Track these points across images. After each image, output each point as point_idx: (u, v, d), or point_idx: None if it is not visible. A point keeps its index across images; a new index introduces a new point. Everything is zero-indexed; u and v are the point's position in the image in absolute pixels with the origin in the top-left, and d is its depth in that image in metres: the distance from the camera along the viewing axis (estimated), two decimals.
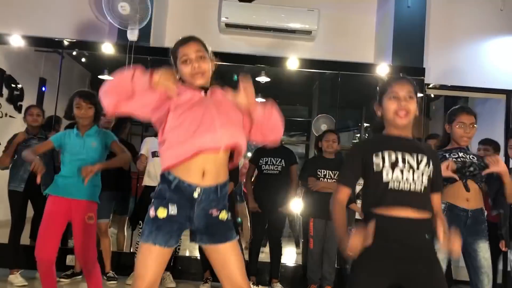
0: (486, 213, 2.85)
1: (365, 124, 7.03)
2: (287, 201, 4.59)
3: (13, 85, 5.94)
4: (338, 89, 5.34)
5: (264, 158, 4.63)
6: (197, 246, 4.79)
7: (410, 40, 5.19)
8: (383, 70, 5.03)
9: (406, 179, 1.87)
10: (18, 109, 5.94)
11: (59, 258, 4.49)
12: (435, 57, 5.44)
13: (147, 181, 4.26)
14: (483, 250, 2.72)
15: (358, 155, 1.98)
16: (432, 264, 1.88)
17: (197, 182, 1.94)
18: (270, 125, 2.07)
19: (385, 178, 1.88)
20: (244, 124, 2.05)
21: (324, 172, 4.46)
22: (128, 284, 4.25)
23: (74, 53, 5.50)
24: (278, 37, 5.46)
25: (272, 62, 5.28)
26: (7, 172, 4.26)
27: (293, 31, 5.39)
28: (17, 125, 4.79)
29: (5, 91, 5.68)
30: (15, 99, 5.96)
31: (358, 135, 7.39)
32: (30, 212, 4.38)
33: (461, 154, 2.78)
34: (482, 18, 5.58)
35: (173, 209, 1.93)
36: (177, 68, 2.06)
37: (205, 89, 2.07)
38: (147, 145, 4.33)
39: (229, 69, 5.27)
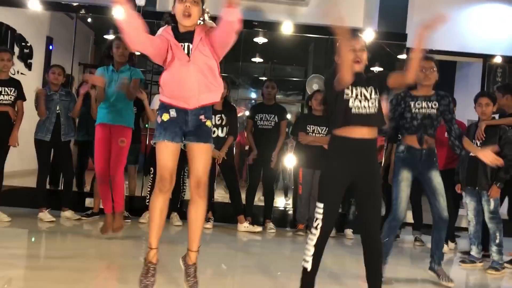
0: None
1: None
2: (279, 153, 5.19)
3: (23, 44, 6.37)
4: (327, 53, 5.82)
5: (259, 115, 5.18)
6: None
7: (394, 7, 5.67)
8: (369, 35, 5.50)
9: (364, 106, 2.62)
10: (29, 66, 6.38)
11: (80, 201, 5.16)
12: (419, 23, 5.88)
13: None
14: (436, 176, 3.36)
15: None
16: (375, 169, 2.70)
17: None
18: (225, 29, 2.52)
19: (350, 105, 2.61)
20: (213, 53, 2.60)
21: (312, 127, 5.01)
22: (140, 222, 4.90)
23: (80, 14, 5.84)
24: (274, 2, 5.87)
25: (268, 27, 5.73)
26: (29, 126, 4.82)
27: None
28: (28, 81, 5.22)
29: (16, 49, 6.09)
30: (25, 57, 6.40)
31: None
32: None
33: (423, 104, 3.36)
34: None
35: (173, 113, 2.59)
36: (174, 4, 2.57)
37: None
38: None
39: None
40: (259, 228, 5.01)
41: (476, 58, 6.06)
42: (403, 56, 5.65)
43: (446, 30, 5.95)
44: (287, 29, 5.59)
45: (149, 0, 5.44)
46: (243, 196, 5.16)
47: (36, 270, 3.17)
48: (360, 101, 2.62)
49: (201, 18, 2.67)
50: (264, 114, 5.17)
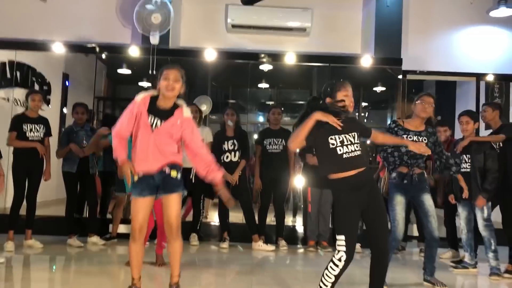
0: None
1: (363, 103, 7.82)
2: (288, 175, 5.54)
3: (42, 81, 6.73)
4: (330, 77, 6.21)
5: (268, 139, 5.56)
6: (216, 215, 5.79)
7: (389, 34, 6.09)
8: (367, 61, 5.92)
9: (351, 150, 2.88)
10: (47, 102, 6.63)
11: (104, 227, 5.51)
12: (414, 47, 6.31)
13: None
14: (427, 199, 3.71)
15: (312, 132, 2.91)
16: (377, 191, 2.97)
17: None
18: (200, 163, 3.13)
19: (339, 151, 2.86)
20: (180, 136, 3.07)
21: None
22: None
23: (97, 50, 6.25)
24: (277, 34, 6.31)
25: (273, 57, 6.16)
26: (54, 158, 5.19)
27: (290, 29, 6.26)
28: (47, 116, 5.29)
29: (36, 87, 6.46)
30: (44, 94, 6.76)
31: (357, 113, 8.21)
32: None
33: (415, 138, 3.72)
34: (454, 11, 6.44)
35: (141, 174, 3.00)
36: (159, 82, 3.02)
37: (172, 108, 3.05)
38: None
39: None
40: (272, 247, 5.32)
41: (469, 77, 6.42)
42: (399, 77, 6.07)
43: (440, 51, 6.39)
44: (290, 59, 6.02)
45: (162, 39, 5.89)
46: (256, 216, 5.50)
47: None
48: (347, 146, 2.88)
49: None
50: (272, 139, 5.55)
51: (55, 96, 6.57)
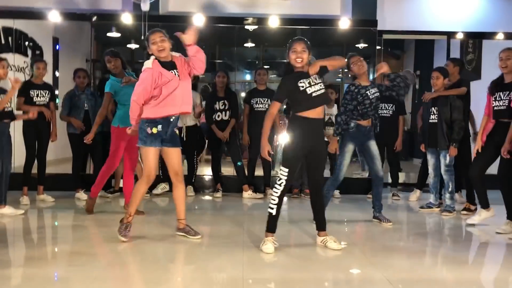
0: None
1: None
2: (273, 131, 6.07)
3: (34, 46, 6.96)
4: (312, 37, 6.59)
5: (255, 99, 6.04)
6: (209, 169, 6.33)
7: None
8: (345, 23, 6.34)
9: (317, 89, 3.40)
10: None
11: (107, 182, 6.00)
12: (390, 8, 6.70)
13: (188, 121, 5.84)
14: (373, 145, 4.36)
15: (287, 84, 3.44)
16: (323, 142, 3.56)
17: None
18: (198, 59, 3.54)
19: (308, 91, 3.36)
20: (189, 71, 3.60)
21: None
22: (155, 194, 5.97)
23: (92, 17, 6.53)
24: None
25: (258, 21, 6.54)
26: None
27: None
28: None
29: (29, 52, 6.80)
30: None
31: (341, 69, 8.63)
32: None
33: (373, 90, 4.30)
34: None
35: (160, 128, 3.55)
36: (150, 48, 3.51)
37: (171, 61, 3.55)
38: None
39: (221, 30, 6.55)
40: (260, 195, 5.95)
41: (441, 36, 6.88)
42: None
43: (414, 11, 6.79)
44: (274, 22, 6.41)
45: (153, 5, 6.22)
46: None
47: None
48: (314, 86, 3.37)
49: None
50: (259, 98, 6.03)
51: (47, 60, 6.74)
